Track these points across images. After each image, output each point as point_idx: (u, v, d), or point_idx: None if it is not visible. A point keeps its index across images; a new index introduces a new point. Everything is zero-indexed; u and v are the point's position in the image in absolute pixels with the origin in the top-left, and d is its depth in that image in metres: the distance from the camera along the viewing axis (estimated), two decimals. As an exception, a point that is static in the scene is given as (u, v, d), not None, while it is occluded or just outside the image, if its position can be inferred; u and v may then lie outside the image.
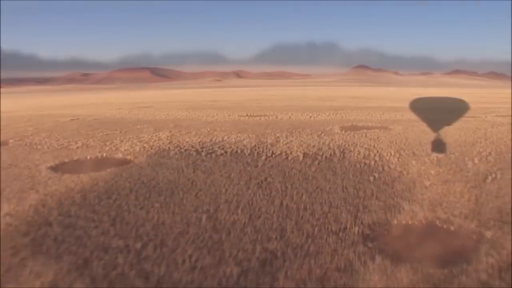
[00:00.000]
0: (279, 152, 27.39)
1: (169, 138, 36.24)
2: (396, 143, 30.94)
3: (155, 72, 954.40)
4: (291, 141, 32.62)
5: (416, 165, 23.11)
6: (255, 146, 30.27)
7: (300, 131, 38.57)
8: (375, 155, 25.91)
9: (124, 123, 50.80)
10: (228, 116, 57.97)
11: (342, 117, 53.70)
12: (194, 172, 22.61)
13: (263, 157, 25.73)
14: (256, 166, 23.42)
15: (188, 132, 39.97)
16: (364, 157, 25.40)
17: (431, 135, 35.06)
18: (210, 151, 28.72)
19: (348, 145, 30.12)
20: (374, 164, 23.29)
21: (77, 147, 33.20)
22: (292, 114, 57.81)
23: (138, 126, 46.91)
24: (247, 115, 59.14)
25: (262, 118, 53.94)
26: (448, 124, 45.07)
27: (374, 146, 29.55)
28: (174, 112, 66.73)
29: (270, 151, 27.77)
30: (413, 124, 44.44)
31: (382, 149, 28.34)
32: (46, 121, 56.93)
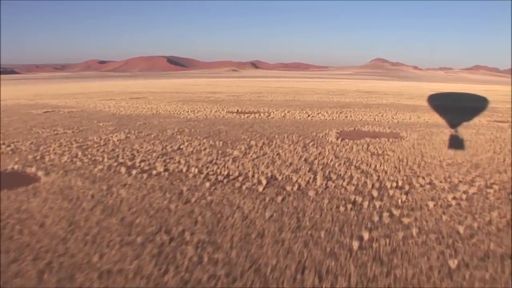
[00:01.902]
0: (236, 174, 19.30)
1: (116, 143, 28.66)
2: (407, 162, 22.34)
3: (172, 60, 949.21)
4: (265, 153, 24.44)
5: (435, 211, 14.65)
6: (211, 161, 22.26)
7: (284, 138, 30.27)
8: (373, 186, 17.55)
9: (92, 119, 43.57)
10: (215, 112, 50.11)
11: (346, 117, 45.02)
12: (91, 209, 14.89)
13: (208, 184, 17.71)
14: (187, 202, 15.45)
15: (147, 135, 32.29)
16: (355, 190, 17.06)
17: (456, 151, 26.36)
18: (148, 167, 20.95)
19: (339, 164, 21.72)
20: (368, 207, 14.94)
21: (2, 152, 26.16)
22: (288, 112, 49.45)
23: (101, 124, 39.61)
24: (237, 111, 51.22)
25: (252, 115, 45.87)
26: (477, 130, 36.08)
27: (375, 167, 21.08)
28: (161, 105, 59.45)
29: (225, 172, 19.73)
30: (432, 130, 35.55)
31: (386, 173, 19.90)
32: (17, 114, 50.46)
